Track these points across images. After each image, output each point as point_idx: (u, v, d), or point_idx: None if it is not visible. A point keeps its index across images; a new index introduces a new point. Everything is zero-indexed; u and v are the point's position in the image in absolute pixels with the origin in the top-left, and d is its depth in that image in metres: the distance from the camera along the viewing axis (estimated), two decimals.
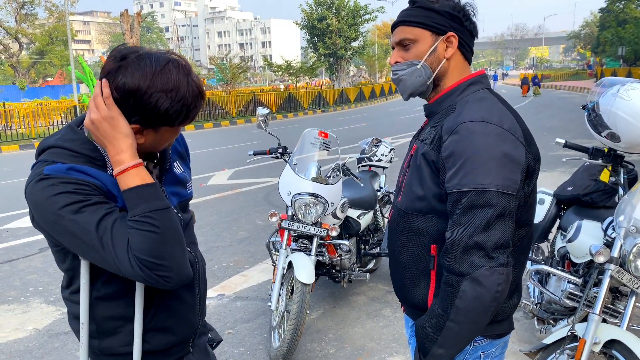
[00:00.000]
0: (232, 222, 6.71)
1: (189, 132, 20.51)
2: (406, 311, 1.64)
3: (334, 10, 36.04)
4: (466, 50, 1.48)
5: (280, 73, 39.31)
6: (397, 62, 1.50)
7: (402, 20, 1.48)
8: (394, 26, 1.52)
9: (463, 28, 1.45)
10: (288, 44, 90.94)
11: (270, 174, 9.33)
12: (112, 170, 1.24)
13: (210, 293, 4.47)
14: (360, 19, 36.89)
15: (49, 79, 48.67)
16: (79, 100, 19.62)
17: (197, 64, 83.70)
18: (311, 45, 37.95)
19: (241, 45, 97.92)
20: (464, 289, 1.28)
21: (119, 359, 1.37)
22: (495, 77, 52.49)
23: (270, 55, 72.50)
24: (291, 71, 36.62)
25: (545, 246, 3.73)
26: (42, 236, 5.42)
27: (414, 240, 1.47)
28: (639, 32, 37.89)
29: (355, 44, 38.44)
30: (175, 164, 1.45)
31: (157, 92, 1.18)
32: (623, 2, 48.27)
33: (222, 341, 1.71)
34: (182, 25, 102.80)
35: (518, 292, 1.49)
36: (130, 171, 1.21)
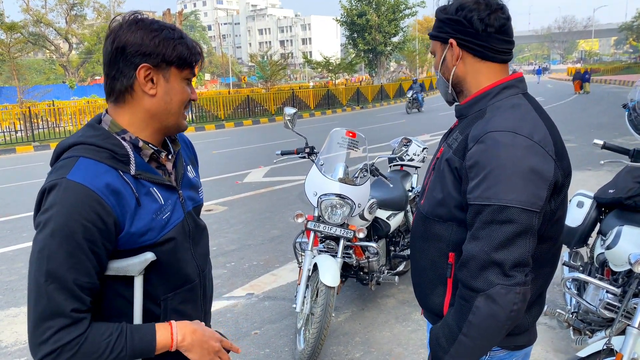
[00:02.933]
0: (266, 220, 6.73)
1: (228, 129, 20.82)
2: (424, 314, 1.62)
3: (373, 6, 35.71)
4: (478, 51, 1.39)
5: (320, 69, 39.29)
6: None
7: (429, 34, 1.52)
8: None
9: (468, 29, 1.37)
10: (328, 40, 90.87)
11: (306, 172, 9.29)
12: (135, 166, 1.25)
13: (240, 292, 4.48)
14: (400, 14, 36.41)
15: (97, 77, 50.37)
16: None
17: (239, 61, 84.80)
18: (350, 41, 37.75)
19: (281, 42, 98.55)
20: (478, 305, 1.25)
21: None
22: (539, 72, 50.98)
23: (310, 52, 72.66)
24: (330, 68, 36.53)
25: (584, 252, 3.55)
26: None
27: (433, 245, 1.45)
28: None
29: (395, 39, 37.99)
30: (188, 168, 1.45)
31: (164, 35, 1.26)
32: None
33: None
34: (224, 24, 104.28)
35: (539, 305, 1.45)
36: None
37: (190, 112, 21.40)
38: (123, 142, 1.27)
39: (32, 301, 1.16)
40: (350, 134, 3.63)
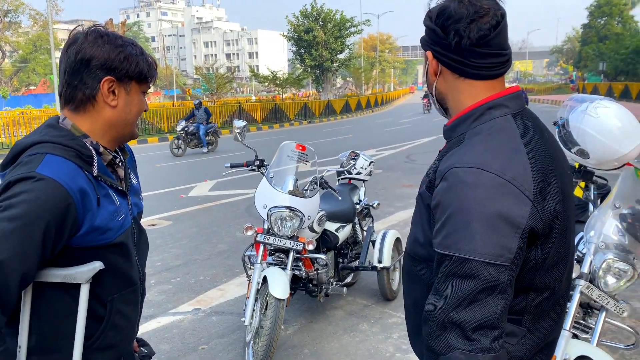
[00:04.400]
0: (212, 235, 6.64)
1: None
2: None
3: (320, 23, 36.25)
4: (453, 66, 1.19)
5: (267, 84, 39.36)
6: None
7: None
8: None
9: (442, 40, 1.16)
10: (275, 55, 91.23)
11: (253, 185, 9.20)
12: (97, 168, 1.30)
13: (186, 307, 4.40)
14: (346, 32, 37.15)
15: (32, 87, 48.17)
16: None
17: (183, 73, 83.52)
18: (298, 56, 38.10)
19: (228, 56, 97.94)
20: None
21: None
22: None
23: (257, 66, 72.62)
24: (277, 82, 36.69)
25: None
26: None
27: (415, 286, 1.29)
28: (619, 48, 38.68)
29: (341, 56, 38.67)
30: (131, 174, 1.53)
31: (128, 52, 1.34)
32: (604, 19, 49.34)
33: (154, 354, 1.71)
34: (169, 35, 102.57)
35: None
36: None
37: None
38: (86, 144, 1.32)
39: None
40: (300, 147, 3.69)
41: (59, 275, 1.25)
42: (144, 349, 1.66)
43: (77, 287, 1.28)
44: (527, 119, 1.19)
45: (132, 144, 17.67)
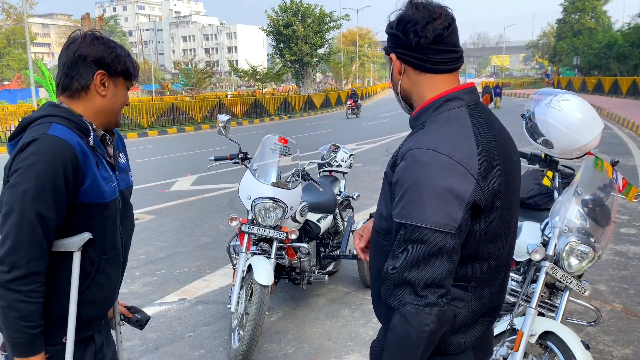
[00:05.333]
0: (195, 228, 6.73)
1: (152, 137, 20.30)
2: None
3: (299, 17, 36.27)
4: (415, 64, 1.35)
5: (247, 78, 39.25)
6: None
7: None
8: None
9: (404, 42, 1.33)
10: (254, 49, 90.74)
11: (235, 179, 9.34)
12: (93, 139, 1.54)
13: (172, 297, 4.51)
14: (325, 26, 37.23)
15: (6, 82, 47.16)
16: (37, 105, 19.15)
17: (161, 68, 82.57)
18: (277, 51, 38.06)
19: (206, 50, 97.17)
20: (394, 323, 1.25)
21: (50, 325, 1.53)
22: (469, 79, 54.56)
23: (237, 61, 72.19)
24: (257, 77, 36.62)
25: None
26: None
27: (379, 256, 1.42)
28: (592, 43, 39.50)
29: (321, 50, 38.76)
30: (120, 154, 1.76)
31: (118, 53, 1.60)
32: (578, 14, 50.28)
33: (150, 319, 1.92)
34: (146, 30, 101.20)
35: (479, 326, 1.38)
36: None
37: None
38: (83, 119, 1.56)
39: (14, 232, 1.39)
40: (282, 141, 3.81)
41: (57, 245, 1.49)
42: (137, 315, 1.87)
43: (71, 253, 1.53)
44: (479, 112, 1.36)
45: None
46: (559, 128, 2.65)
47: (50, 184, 1.40)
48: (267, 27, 36.99)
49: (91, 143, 1.54)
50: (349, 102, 27.45)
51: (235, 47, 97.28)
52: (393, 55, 1.38)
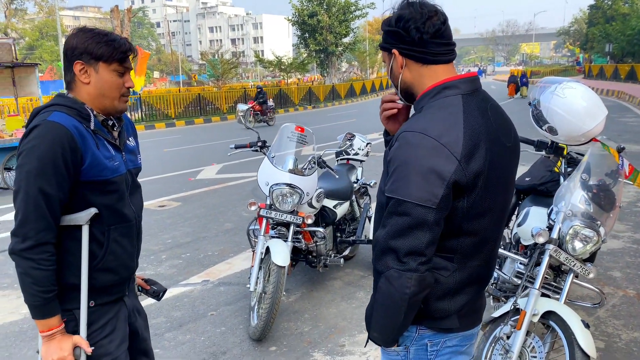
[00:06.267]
0: (219, 215, 6.97)
1: (179, 127, 20.72)
2: None
3: (324, 6, 36.20)
4: (419, 57, 1.48)
5: (272, 69, 39.45)
6: None
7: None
8: None
9: (406, 38, 1.45)
10: (280, 39, 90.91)
11: (257, 169, 9.56)
12: (94, 124, 1.69)
13: (195, 279, 4.74)
14: (351, 15, 37.08)
15: (40, 74, 48.49)
16: None
17: (189, 59, 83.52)
18: (302, 41, 38.11)
19: (233, 41, 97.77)
20: (380, 285, 1.41)
21: (69, 291, 1.70)
22: (480, 73, 54.00)
23: (262, 51, 72.54)
24: (282, 67, 36.77)
25: (506, 233, 4.02)
26: None
27: (378, 227, 1.54)
28: (626, 29, 38.32)
29: (346, 40, 38.64)
30: (130, 139, 1.91)
31: (94, 40, 1.67)
32: None
33: (166, 290, 2.11)
34: (174, 21, 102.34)
35: (465, 295, 1.50)
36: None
37: (139, 111, 21.14)
38: (85, 107, 1.71)
39: (22, 208, 1.58)
40: (299, 129, 3.97)
41: (66, 219, 1.67)
42: (154, 287, 2.05)
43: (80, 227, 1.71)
44: (474, 100, 1.47)
45: (139, 130, 17.99)
46: (563, 115, 2.73)
47: (50, 163, 1.56)
48: (292, 17, 37.04)
49: (92, 127, 1.68)
50: (248, 105, 12.31)
51: (261, 38, 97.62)
52: (395, 51, 1.50)
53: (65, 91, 1.75)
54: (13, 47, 9.47)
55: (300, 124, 4.08)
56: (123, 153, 1.82)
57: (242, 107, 4.01)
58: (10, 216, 7.01)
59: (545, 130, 2.86)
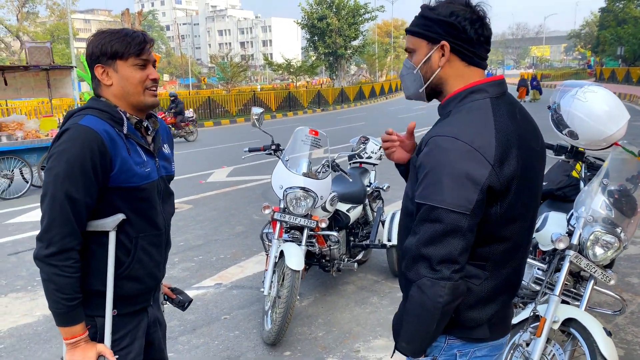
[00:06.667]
0: (230, 217, 6.96)
1: None
2: None
3: (334, 10, 36.25)
4: (468, 56, 1.45)
5: (281, 72, 39.53)
6: (406, 59, 1.57)
7: (407, 30, 1.55)
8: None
9: (461, 34, 1.42)
10: (289, 42, 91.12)
11: (268, 171, 9.45)
12: (127, 128, 1.66)
13: (208, 282, 4.73)
14: (360, 18, 37.11)
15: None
16: (80, 99, 19.86)
17: (198, 62, 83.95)
18: (311, 44, 38.16)
19: (242, 44, 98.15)
20: (412, 294, 1.37)
21: (93, 297, 1.67)
22: (488, 75, 54.10)
23: (271, 54, 72.81)
24: (291, 70, 36.83)
25: None
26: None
27: (405, 235, 1.51)
28: (638, 32, 37.98)
29: (355, 42, 38.66)
30: (165, 145, 1.88)
31: (105, 40, 1.65)
32: (623, 2, 48.38)
33: (192, 301, 2.08)
34: (183, 24, 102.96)
35: (495, 303, 1.46)
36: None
37: None
38: (118, 110, 1.68)
39: (48, 213, 1.55)
40: (313, 133, 3.95)
41: (93, 225, 1.64)
42: (180, 297, 2.02)
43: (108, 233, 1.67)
44: (503, 103, 1.44)
45: None
46: (584, 119, 2.69)
47: (79, 167, 1.52)
48: (302, 20, 37.10)
49: (125, 131, 1.64)
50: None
51: (270, 41, 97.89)
52: (446, 43, 1.43)
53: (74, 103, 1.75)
54: (50, 51, 9.83)
55: (311, 126, 4.07)
56: (157, 159, 1.78)
57: (256, 110, 3.99)
58: (27, 217, 7.07)
59: (566, 134, 2.82)
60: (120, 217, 1.64)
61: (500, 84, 1.48)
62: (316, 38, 37.16)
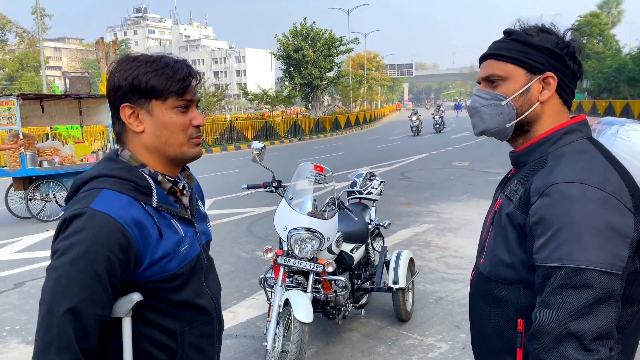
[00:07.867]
0: (216, 255, 6.45)
1: None
2: None
3: (309, 41, 36.57)
4: (566, 93, 1.29)
5: (256, 102, 39.46)
6: (481, 89, 1.35)
7: (493, 54, 1.31)
8: (482, 59, 1.35)
9: (565, 68, 1.26)
10: (263, 72, 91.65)
11: (251, 204, 9.21)
12: (157, 199, 1.25)
13: None
14: (335, 50, 37.51)
15: None
16: (50, 128, 19.18)
17: None
18: (287, 74, 38.31)
19: (215, 73, 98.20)
20: None
21: None
22: (458, 107, 56.11)
23: (245, 84, 72.87)
24: (267, 100, 36.80)
25: None
26: (17, 270, 5.13)
27: (498, 310, 1.29)
28: (602, 67, 39.49)
29: (330, 74, 38.98)
30: (199, 202, 1.49)
31: (138, 72, 1.24)
32: (586, 38, 50.50)
33: None
34: (156, 54, 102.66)
35: None
36: None
37: None
38: (144, 174, 1.27)
39: (42, 330, 1.13)
40: (318, 168, 3.67)
41: None
42: None
43: (137, 321, 1.24)
44: (599, 144, 1.28)
45: None
46: (629, 160, 2.48)
47: (89, 271, 1.12)
48: (277, 52, 37.30)
49: (154, 204, 1.24)
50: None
51: (244, 71, 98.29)
52: (553, 76, 1.26)
53: (116, 146, 1.31)
54: (89, 80, 10.37)
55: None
56: (196, 226, 1.37)
57: (257, 144, 3.69)
58: (29, 240, 6.50)
59: None
60: (135, 297, 1.21)
61: (586, 123, 1.32)
62: (292, 69, 37.33)
